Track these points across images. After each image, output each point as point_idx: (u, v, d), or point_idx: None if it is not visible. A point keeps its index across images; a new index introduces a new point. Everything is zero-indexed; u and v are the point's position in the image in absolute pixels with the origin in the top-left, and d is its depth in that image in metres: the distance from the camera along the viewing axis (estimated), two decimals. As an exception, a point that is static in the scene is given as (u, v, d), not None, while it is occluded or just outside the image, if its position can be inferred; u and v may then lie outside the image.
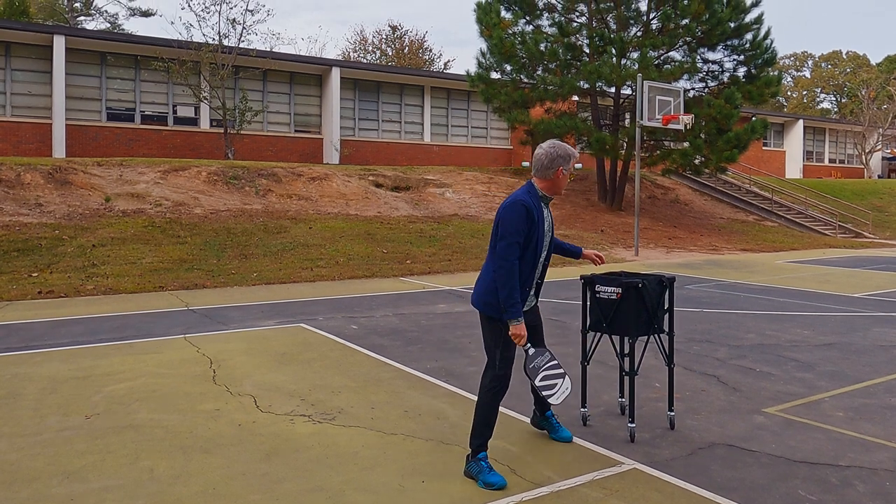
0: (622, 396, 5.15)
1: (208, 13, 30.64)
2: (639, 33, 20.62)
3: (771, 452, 4.28)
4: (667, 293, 4.80)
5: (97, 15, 40.02)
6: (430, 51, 43.49)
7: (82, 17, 39.09)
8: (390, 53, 43.13)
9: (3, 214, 13.96)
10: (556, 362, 4.08)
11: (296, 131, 25.74)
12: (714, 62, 20.74)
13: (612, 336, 4.72)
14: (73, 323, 8.29)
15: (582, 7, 21.47)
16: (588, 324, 4.84)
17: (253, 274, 12.23)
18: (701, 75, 20.62)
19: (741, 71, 20.79)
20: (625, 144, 20.11)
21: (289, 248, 14.12)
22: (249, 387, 5.63)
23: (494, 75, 21.81)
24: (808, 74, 74.13)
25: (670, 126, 16.00)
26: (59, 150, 20.89)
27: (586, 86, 20.48)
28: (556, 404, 4.05)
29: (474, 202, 20.32)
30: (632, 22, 20.90)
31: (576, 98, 23.97)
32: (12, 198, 14.74)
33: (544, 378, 3.99)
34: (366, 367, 6.35)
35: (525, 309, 4.16)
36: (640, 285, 4.54)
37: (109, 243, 13.24)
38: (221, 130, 22.57)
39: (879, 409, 5.18)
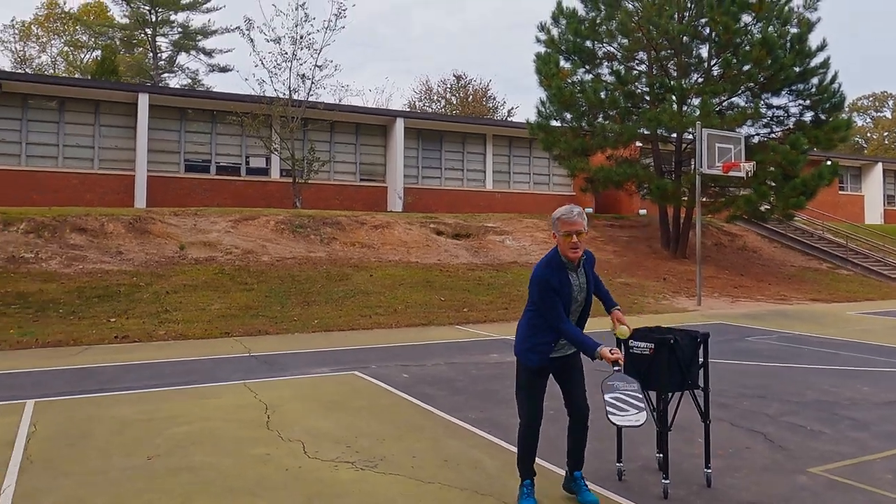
0: (659, 452, 5.16)
1: (280, 69, 32.07)
2: (699, 80, 20.59)
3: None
4: (701, 349, 4.85)
5: (179, 71, 42.62)
6: (494, 98, 44.29)
7: (166, 74, 41.69)
8: (455, 102, 44.10)
9: (88, 262, 14.91)
10: (640, 395, 4.03)
11: (361, 180, 26.54)
12: (779, 107, 20.46)
13: (647, 391, 4.78)
14: (144, 367, 8.80)
15: (642, 55, 21.63)
16: (623, 379, 4.91)
17: (314, 321, 12.66)
18: (765, 121, 20.37)
19: (808, 116, 20.43)
20: (686, 191, 19.93)
21: (349, 296, 14.53)
22: (299, 433, 5.89)
23: (555, 123, 22.08)
24: (888, 115, 71.60)
25: (731, 174, 15.83)
26: (140, 200, 22.15)
27: (647, 132, 20.50)
28: (616, 424, 4.00)
29: (534, 249, 20.43)
30: (692, 68, 20.90)
31: (640, 144, 23.97)
32: (96, 246, 15.74)
33: (617, 399, 3.99)
34: (411, 415, 6.53)
35: (557, 355, 4.32)
36: (672, 341, 4.61)
37: (182, 290, 13.95)
38: (290, 180, 23.51)
39: (932, 471, 5.02)
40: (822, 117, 20.22)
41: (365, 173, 26.70)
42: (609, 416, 3.98)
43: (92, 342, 10.56)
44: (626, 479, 4.89)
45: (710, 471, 4.81)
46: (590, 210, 29.10)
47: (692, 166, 20.65)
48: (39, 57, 43.72)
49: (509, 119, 43.29)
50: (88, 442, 5.59)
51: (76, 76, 40.87)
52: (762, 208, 19.47)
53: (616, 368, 4.02)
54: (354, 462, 5.16)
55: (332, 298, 14.29)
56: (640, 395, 4.04)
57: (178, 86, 42.74)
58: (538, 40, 21.88)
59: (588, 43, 21.42)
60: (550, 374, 4.37)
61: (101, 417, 6.31)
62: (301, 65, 31.49)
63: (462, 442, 5.70)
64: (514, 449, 5.20)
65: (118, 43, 41.04)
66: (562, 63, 21.31)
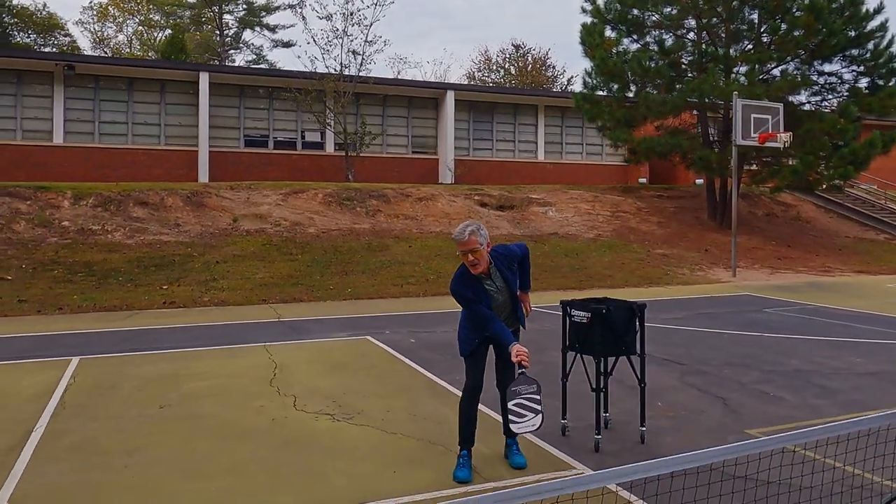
0: (606, 412, 5.65)
1: (331, 46, 32.83)
2: (749, 47, 20.15)
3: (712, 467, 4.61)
4: (637, 319, 5.28)
5: (244, 48, 44.06)
6: (553, 67, 43.90)
7: (232, 51, 43.21)
8: (513, 72, 44.03)
9: (148, 234, 16.14)
10: (538, 397, 4.18)
11: (413, 152, 27.17)
12: (831, 74, 19.87)
13: (583, 356, 5.28)
14: (181, 330, 9.77)
15: (690, 22, 21.29)
16: (566, 344, 5.41)
17: (347, 289, 13.47)
18: (816, 88, 19.81)
19: (863, 82, 19.77)
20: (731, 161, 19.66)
21: (385, 266, 15.28)
22: (297, 389, 6.64)
23: (601, 94, 22.07)
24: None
25: (767, 144, 15.64)
26: (203, 174, 23.44)
27: (696, 100, 20.27)
28: (516, 432, 4.18)
29: (576, 221, 20.68)
30: (744, 35, 20.47)
31: (696, 112, 23.67)
32: (156, 219, 16.98)
33: (518, 405, 4.19)
34: (404, 376, 7.18)
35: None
36: (604, 311, 5.08)
37: (231, 260, 14.99)
38: (344, 153, 24.37)
39: (859, 436, 5.32)
40: (880, 83, 19.53)
41: (417, 146, 27.30)
42: (510, 424, 4.12)
43: (142, 307, 11.66)
44: (570, 434, 5.42)
45: (644, 429, 5.29)
46: (643, 180, 28.92)
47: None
48: (116, 37, 45.98)
49: (569, 88, 42.95)
50: (115, 393, 6.49)
51: (150, 55, 42.84)
52: (809, 179, 19.06)
53: (520, 371, 4.25)
54: (334, 415, 5.86)
55: (368, 268, 15.06)
56: (538, 398, 4.16)
57: (243, 62, 44.27)
58: (584, 10, 21.83)
59: (635, 11, 21.23)
60: (491, 346, 4.89)
61: (130, 373, 7.23)
62: (352, 41, 32.10)
63: (438, 400, 6.31)
64: (483, 408, 5.77)
65: (188, 21, 42.72)
66: (607, 33, 21.22)
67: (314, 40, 33.83)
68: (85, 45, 49.05)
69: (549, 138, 29.10)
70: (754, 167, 21.39)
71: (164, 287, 13.08)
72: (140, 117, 23.83)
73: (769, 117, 15.65)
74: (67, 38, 43.17)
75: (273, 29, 43.67)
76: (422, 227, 18.79)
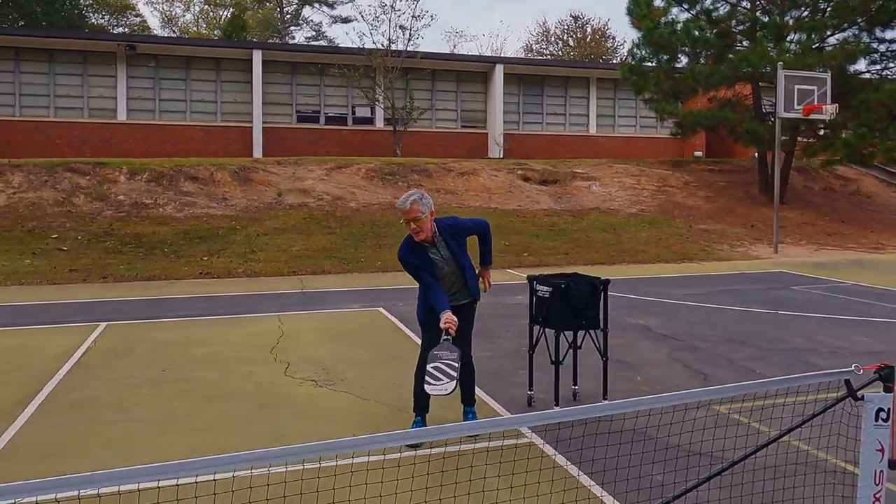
0: (576, 384, 5.79)
1: (379, 21, 33.19)
2: (805, 14, 19.30)
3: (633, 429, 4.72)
4: (601, 295, 5.39)
5: (304, 25, 44.78)
6: (613, 39, 42.94)
7: (292, 28, 44.02)
8: (572, 44, 43.30)
9: (196, 207, 16.90)
10: (457, 364, 4.30)
11: (462, 127, 27.26)
12: (893, 41, 18.84)
13: (544, 329, 5.43)
14: (207, 300, 10.33)
15: (745, -10, 20.52)
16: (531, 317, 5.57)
17: (377, 262, 13.83)
18: (875, 56, 18.84)
19: (930, 49, 18.69)
20: (782, 135, 19.00)
21: (419, 240, 15.55)
22: (292, 356, 7.01)
23: (649, 66, 21.60)
24: None
25: (812, 116, 15.06)
26: (257, 150, 24.21)
27: (748, 70, 19.60)
28: (429, 393, 4.34)
29: (620, 195, 20.45)
30: (800, 1, 19.60)
31: (751, 83, 22.89)
32: (205, 193, 17.73)
33: (437, 368, 4.36)
34: (399, 347, 7.47)
35: (452, 304, 5.04)
36: (563, 286, 5.21)
37: (271, 233, 15.58)
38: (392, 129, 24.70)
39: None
40: (948, 50, 18.44)
41: (466, 120, 27.36)
42: (425, 385, 4.28)
43: (180, 277, 12.33)
44: (535, 405, 5.60)
45: (576, 388, 5.53)
46: (699, 154, 28.17)
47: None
48: (184, 16, 47.53)
49: (611, 62, 41.91)
50: (127, 356, 7.01)
51: (215, 33, 44.07)
52: (864, 152, 18.24)
53: (445, 338, 4.45)
54: (317, 381, 6.20)
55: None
56: (457, 365, 4.27)
57: (302, 39, 45.02)
58: (632, -21, 21.30)
59: (686, -21, 20.59)
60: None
61: (147, 338, 7.77)
62: (399, 16, 32.25)
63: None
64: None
65: (249, 0, 43.68)
66: (656, 2, 20.69)
67: (362, 16, 33.98)
68: (154, 24, 50.80)
69: (601, 111, 28.66)
70: (809, 140, 20.59)
71: (205, 258, 13.75)
72: (197, 95, 24.72)
73: (815, 88, 15.06)
74: (138, 19, 44.87)
75: (331, 4, 44.21)
76: (461, 201, 18.97)
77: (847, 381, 2.86)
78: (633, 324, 8.62)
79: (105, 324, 8.51)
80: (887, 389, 2.81)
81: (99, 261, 13.36)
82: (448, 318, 4.51)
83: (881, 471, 2.82)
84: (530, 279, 5.59)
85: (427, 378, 4.32)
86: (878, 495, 2.82)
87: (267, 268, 13.16)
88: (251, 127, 24.66)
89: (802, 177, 22.99)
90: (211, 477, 3.34)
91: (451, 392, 4.24)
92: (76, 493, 1.87)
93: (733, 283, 11.96)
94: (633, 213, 19.22)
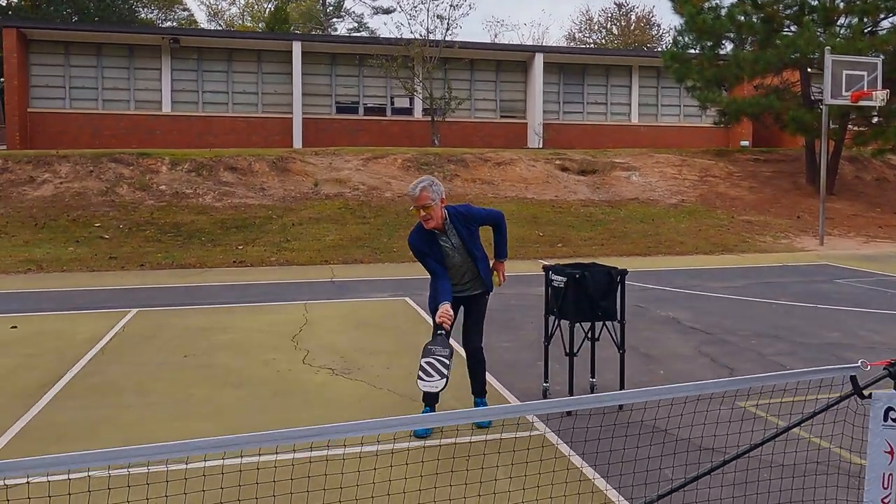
0: (594, 377, 5.66)
1: (417, 11, 33.10)
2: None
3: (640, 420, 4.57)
4: (618, 285, 5.24)
5: (346, 16, 44.99)
6: (658, 26, 42.07)
7: (335, 19, 44.26)
8: (616, 32, 42.56)
9: (235, 197, 17.14)
10: (448, 362, 4.27)
11: (501, 117, 27.04)
12: (951, 24, 17.97)
13: (559, 320, 5.31)
14: (238, 287, 10.44)
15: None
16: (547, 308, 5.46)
17: (409, 252, 13.77)
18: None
19: None
20: (831, 123, 18.34)
21: (452, 230, 15.49)
22: (313, 344, 7.03)
23: (692, 53, 21.06)
24: None
25: (861, 103, 14.46)
26: (297, 140, 24.43)
27: (795, 56, 18.94)
28: (420, 389, 4.34)
29: (660, 186, 20.03)
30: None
31: (799, 70, 22.14)
32: (243, 183, 17.96)
33: (429, 363, 4.29)
34: (420, 337, 7.41)
35: (463, 294, 4.96)
36: (578, 276, 5.08)
37: (306, 222, 15.70)
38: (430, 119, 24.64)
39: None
40: None
41: (505, 110, 27.14)
42: (417, 380, 4.25)
43: (215, 265, 12.52)
44: (550, 396, 5.49)
45: (593, 380, 5.41)
46: (745, 143, 27.38)
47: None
48: (230, 9, 48.19)
49: (654, 49, 41.02)
50: (152, 342, 7.13)
51: (259, 26, 44.61)
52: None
53: (440, 332, 4.38)
54: (334, 369, 6.20)
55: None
56: (448, 363, 4.23)
57: (344, 30, 45.23)
58: (674, -36, 20.76)
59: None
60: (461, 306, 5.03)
61: (173, 325, 7.89)
62: (437, 6, 32.09)
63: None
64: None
65: (293, -8, 44.07)
66: (700, -13, 20.12)
67: (400, 6, 33.94)
68: (201, 18, 51.67)
69: (643, 100, 28.11)
70: (860, 128, 19.83)
71: (240, 247, 13.93)
72: (239, 87, 25.05)
73: (865, 73, 14.44)
74: (186, 13, 45.70)
75: (373, -4, 44.32)
76: (497, 191, 18.82)
77: (853, 378, 2.69)
78: (661, 316, 8.41)
79: (136, 310, 8.67)
80: (898, 387, 2.64)
81: (138, 249, 13.65)
82: (444, 312, 4.44)
83: (890, 474, 2.65)
84: (546, 269, 5.48)
85: (419, 373, 4.29)
86: (886, 500, 2.65)
87: (300, 257, 13.27)
88: (291, 118, 24.87)
89: (854, 166, 22.17)
90: (199, 464, 3.40)
91: (440, 390, 4.25)
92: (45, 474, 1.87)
93: (773, 276, 11.59)
94: (673, 203, 18.80)
